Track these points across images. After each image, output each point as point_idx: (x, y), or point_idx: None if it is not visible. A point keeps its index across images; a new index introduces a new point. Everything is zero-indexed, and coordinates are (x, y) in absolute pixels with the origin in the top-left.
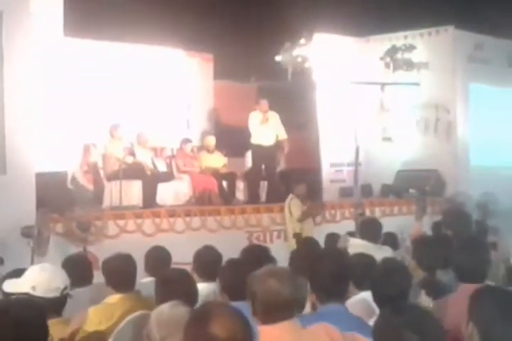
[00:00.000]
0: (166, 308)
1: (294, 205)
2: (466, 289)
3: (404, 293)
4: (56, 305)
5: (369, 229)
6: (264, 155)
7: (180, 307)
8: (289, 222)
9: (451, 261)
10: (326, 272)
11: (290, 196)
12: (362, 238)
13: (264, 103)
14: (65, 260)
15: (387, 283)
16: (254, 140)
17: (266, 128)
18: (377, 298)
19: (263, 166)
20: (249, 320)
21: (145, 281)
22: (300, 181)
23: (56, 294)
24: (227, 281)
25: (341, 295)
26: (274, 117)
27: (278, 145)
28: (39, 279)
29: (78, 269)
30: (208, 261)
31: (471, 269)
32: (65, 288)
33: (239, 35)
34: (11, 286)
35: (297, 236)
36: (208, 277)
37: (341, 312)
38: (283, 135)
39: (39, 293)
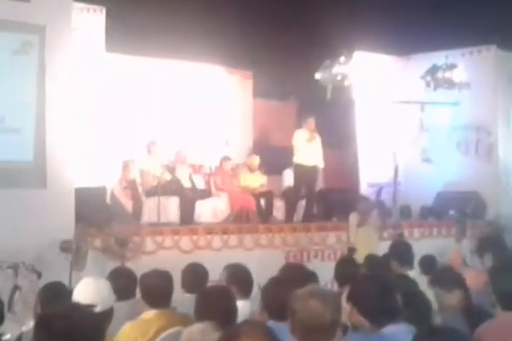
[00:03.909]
0: (198, 334)
1: (350, 218)
2: (508, 317)
3: None
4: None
5: (399, 251)
6: (307, 174)
7: (212, 333)
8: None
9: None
10: (373, 293)
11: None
12: (393, 260)
13: (311, 121)
14: (111, 272)
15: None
16: (298, 159)
17: (311, 148)
18: None
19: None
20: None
21: (181, 298)
22: (362, 198)
23: None
24: (268, 300)
25: (397, 313)
26: (318, 139)
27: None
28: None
29: (123, 282)
30: (241, 279)
31: None
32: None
33: (279, 52)
34: None
35: (351, 250)
36: (241, 295)
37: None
38: (320, 163)
39: None
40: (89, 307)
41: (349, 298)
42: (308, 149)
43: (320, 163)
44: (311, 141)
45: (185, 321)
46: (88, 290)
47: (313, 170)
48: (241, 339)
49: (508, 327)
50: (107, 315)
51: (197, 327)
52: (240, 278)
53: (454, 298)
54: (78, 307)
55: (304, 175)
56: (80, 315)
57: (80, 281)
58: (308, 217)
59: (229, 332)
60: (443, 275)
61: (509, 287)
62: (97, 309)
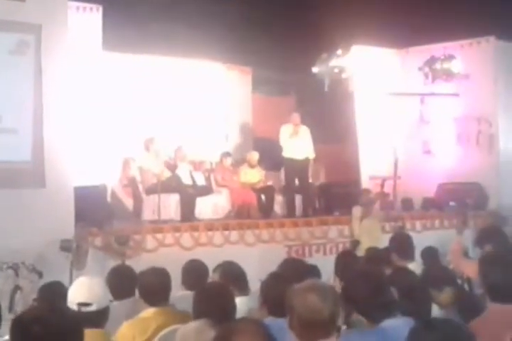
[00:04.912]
0: (192, 332)
1: (354, 211)
2: (500, 310)
3: None
4: (92, 318)
5: (399, 244)
6: (297, 168)
7: (207, 331)
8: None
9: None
10: (365, 290)
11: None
12: (393, 252)
13: (295, 116)
14: (111, 271)
15: None
16: (286, 153)
17: (297, 142)
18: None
19: (296, 180)
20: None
21: (181, 295)
22: (364, 190)
23: (75, 308)
24: (268, 295)
25: (392, 307)
26: (305, 132)
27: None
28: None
29: (122, 281)
30: (235, 276)
31: (504, 289)
32: (86, 304)
33: (276, 47)
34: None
35: (353, 243)
36: (238, 292)
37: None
38: (311, 154)
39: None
40: (84, 305)
41: (343, 297)
42: (293, 143)
43: (310, 155)
44: (295, 135)
45: (184, 319)
46: (82, 290)
47: (304, 162)
48: (236, 337)
49: (496, 321)
50: (102, 313)
51: (192, 325)
52: (234, 275)
53: (445, 296)
54: (56, 309)
55: (295, 168)
56: (59, 318)
57: (74, 281)
58: (307, 210)
59: (224, 330)
60: (432, 275)
61: (496, 279)
62: (92, 308)
